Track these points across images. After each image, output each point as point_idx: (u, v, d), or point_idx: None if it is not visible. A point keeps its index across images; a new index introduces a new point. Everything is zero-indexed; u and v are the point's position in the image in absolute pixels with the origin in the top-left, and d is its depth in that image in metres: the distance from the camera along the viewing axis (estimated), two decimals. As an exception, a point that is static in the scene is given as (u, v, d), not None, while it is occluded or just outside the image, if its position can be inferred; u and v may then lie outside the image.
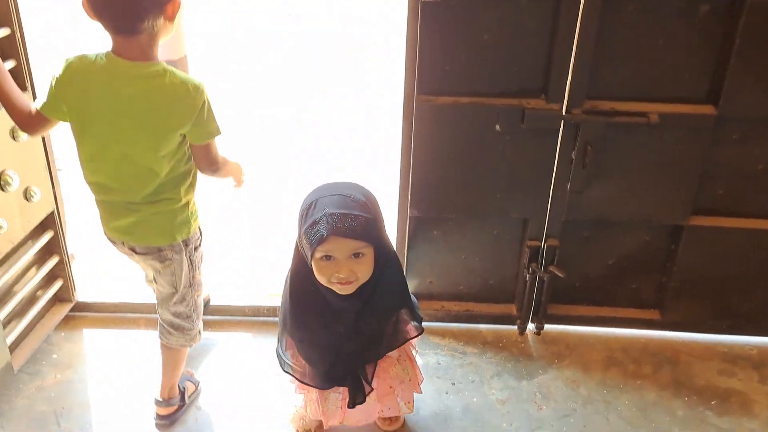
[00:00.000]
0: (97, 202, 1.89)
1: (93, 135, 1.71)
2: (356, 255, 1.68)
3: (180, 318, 2.06)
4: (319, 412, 2.04)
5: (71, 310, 2.64)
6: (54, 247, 2.51)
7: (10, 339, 2.29)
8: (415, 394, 2.13)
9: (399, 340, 1.94)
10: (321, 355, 1.90)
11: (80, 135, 1.74)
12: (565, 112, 2.17)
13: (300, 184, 3.60)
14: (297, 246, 1.80)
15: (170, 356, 2.14)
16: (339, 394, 2.00)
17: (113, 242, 1.97)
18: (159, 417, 2.19)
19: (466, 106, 2.20)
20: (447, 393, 2.35)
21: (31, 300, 2.46)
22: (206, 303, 2.55)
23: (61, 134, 2.13)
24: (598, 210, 2.36)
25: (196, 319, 2.10)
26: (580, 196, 2.31)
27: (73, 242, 2.85)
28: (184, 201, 1.85)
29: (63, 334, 2.57)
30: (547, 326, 2.57)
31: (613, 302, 2.60)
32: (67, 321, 2.62)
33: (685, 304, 2.54)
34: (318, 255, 1.68)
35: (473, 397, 2.34)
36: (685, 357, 2.52)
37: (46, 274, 2.52)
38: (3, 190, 2.13)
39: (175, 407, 2.20)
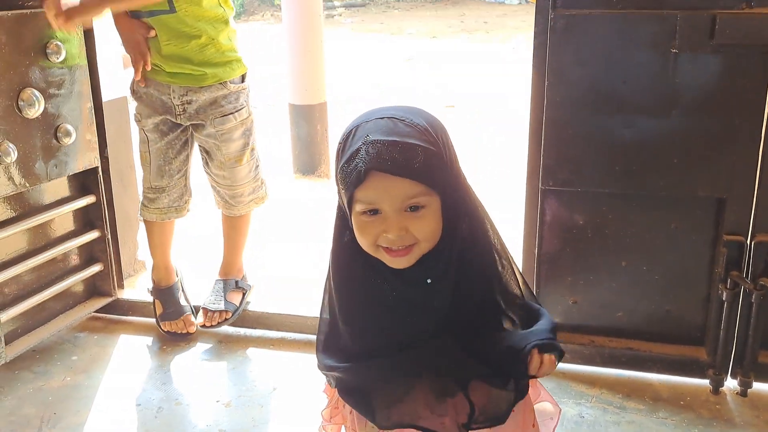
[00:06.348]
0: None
1: None
2: (413, 208, 1.07)
3: None
4: None
5: (111, 310, 2.13)
6: (94, 219, 2.03)
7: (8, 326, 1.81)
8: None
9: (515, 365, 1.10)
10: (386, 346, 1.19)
11: None
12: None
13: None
14: (339, 205, 1.19)
15: None
16: None
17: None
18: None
19: (621, 17, 1.56)
20: (590, 456, 1.53)
21: (52, 281, 1.96)
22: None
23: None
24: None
25: None
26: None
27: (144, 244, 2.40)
28: None
29: (96, 336, 2.06)
30: (757, 384, 1.75)
31: None
32: (106, 323, 2.13)
33: None
34: (358, 207, 1.09)
35: (633, 466, 1.49)
36: None
37: (80, 253, 2.04)
38: (20, 111, 1.71)
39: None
